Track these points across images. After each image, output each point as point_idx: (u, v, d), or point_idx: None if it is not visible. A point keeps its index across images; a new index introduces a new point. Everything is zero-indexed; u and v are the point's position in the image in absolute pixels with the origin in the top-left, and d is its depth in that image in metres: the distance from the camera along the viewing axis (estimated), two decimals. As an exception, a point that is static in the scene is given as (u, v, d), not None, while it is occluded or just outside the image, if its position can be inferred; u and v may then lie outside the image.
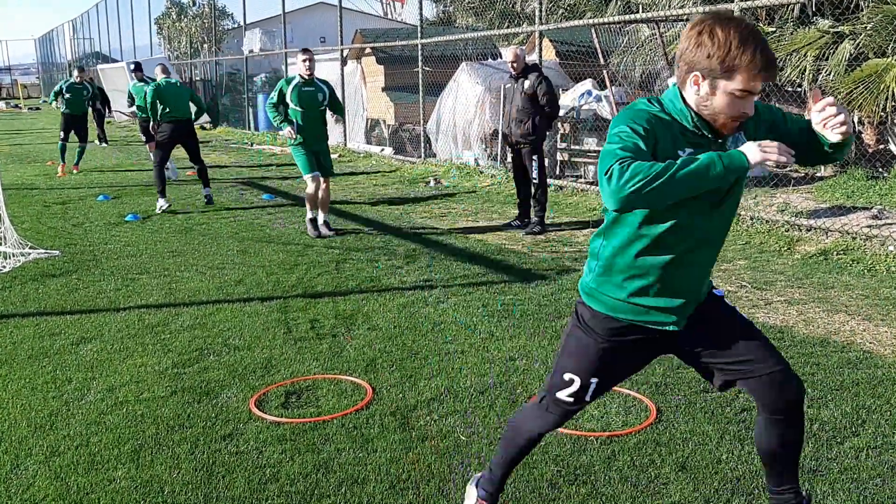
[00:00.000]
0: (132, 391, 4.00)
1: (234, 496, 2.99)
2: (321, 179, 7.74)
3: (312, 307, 5.38)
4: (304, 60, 7.73)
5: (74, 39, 47.77)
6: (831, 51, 9.17)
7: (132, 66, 12.61)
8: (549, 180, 9.80)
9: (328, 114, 8.04)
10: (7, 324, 5.16)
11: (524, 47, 8.35)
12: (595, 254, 2.40)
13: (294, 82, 7.78)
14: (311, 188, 7.73)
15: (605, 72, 10.08)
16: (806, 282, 5.81)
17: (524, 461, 3.19)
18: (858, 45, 8.88)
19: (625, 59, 12.17)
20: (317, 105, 7.80)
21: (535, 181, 7.86)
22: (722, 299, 2.53)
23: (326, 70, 17.07)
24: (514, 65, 7.80)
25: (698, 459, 3.18)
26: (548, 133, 8.12)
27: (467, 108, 12.10)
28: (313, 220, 7.83)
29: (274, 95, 7.85)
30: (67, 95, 13.53)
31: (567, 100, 10.85)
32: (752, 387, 2.38)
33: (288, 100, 7.75)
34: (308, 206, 7.89)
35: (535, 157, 7.80)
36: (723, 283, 5.80)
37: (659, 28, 10.87)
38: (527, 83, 7.68)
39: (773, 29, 9.94)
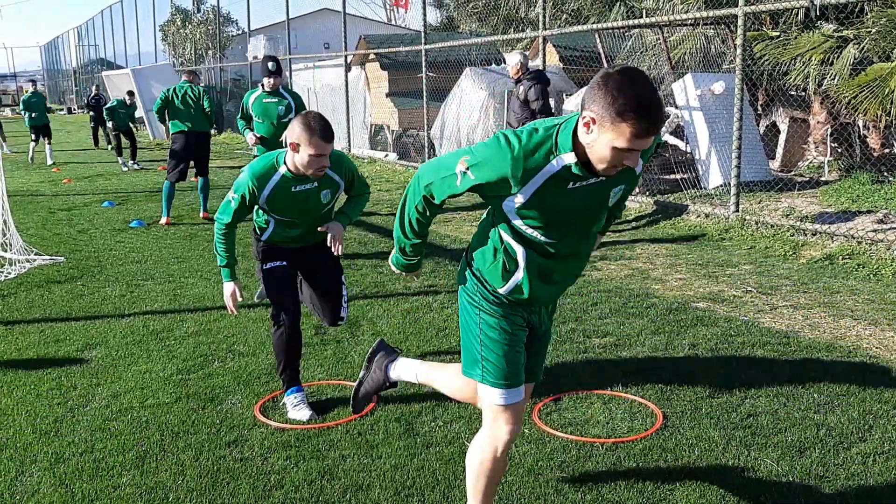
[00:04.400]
0: (137, 397, 4.00)
1: (239, 503, 2.99)
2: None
3: (317, 313, 5.38)
4: None
5: (79, 46, 47.93)
6: (836, 55, 9.16)
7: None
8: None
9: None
10: (12, 330, 5.16)
11: (527, 53, 8.37)
12: None
13: None
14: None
15: (608, 77, 10.07)
16: (811, 286, 5.79)
17: (529, 467, 3.19)
18: (863, 49, 8.86)
19: (628, 63, 12.17)
20: None
21: None
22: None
23: (330, 76, 17.12)
24: (512, 70, 7.95)
25: (704, 465, 3.17)
26: None
27: (471, 114, 12.10)
28: None
29: None
30: (180, 106, 9.02)
31: (571, 105, 10.85)
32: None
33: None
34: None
35: None
36: (728, 288, 5.79)
37: (662, 33, 10.87)
38: (521, 88, 7.79)
39: (778, 33, 9.93)
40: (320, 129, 3.44)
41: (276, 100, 7.50)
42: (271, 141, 7.47)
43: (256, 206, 3.73)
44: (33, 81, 16.92)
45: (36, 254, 7.22)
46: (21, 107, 16.97)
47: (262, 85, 7.50)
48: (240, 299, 3.75)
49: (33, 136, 16.72)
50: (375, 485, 3.09)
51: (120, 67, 31.79)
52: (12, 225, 7.30)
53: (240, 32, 27.12)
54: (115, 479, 3.17)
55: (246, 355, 4.58)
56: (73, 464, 3.30)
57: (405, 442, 3.43)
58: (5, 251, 7.02)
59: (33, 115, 16.43)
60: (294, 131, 3.47)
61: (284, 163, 3.59)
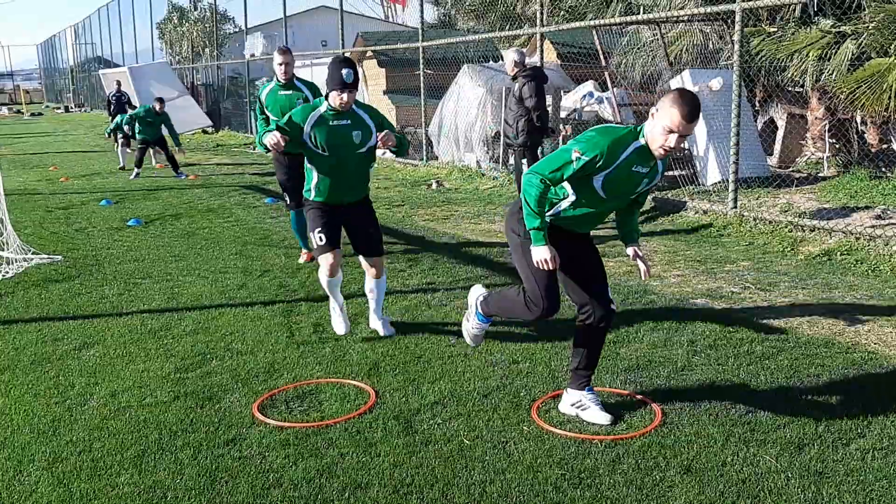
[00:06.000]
0: (135, 396, 3.99)
1: (238, 501, 2.98)
2: None
3: (315, 311, 5.37)
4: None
5: (76, 44, 47.87)
6: (833, 51, 9.15)
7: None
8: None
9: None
10: (10, 329, 5.15)
11: (524, 50, 8.38)
12: None
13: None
14: None
15: (606, 73, 10.08)
16: (810, 282, 5.79)
17: (528, 464, 3.19)
18: (861, 44, 8.86)
19: (626, 60, 12.16)
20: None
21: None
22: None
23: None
24: (509, 67, 7.96)
25: (703, 462, 3.17)
26: (544, 136, 8.13)
27: (469, 111, 12.10)
28: None
29: None
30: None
31: (569, 101, 10.84)
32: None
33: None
34: None
35: (524, 160, 7.86)
36: (727, 284, 5.79)
37: (660, 29, 10.86)
38: (516, 86, 7.79)
39: (775, 29, 9.92)
40: (689, 106, 3.12)
41: (349, 121, 4.55)
42: (343, 185, 4.63)
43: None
44: (160, 99, 13.39)
45: (33, 253, 7.21)
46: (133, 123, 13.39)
47: (330, 101, 4.50)
48: (557, 259, 3.44)
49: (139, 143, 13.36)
50: (374, 483, 3.08)
51: (117, 65, 31.74)
52: (9, 224, 7.29)
53: (237, 30, 27.10)
54: (114, 479, 3.16)
55: (244, 353, 4.58)
56: (72, 463, 3.30)
57: (404, 440, 3.43)
58: (2, 250, 7.01)
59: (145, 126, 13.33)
60: (663, 99, 3.20)
61: (644, 133, 3.27)
